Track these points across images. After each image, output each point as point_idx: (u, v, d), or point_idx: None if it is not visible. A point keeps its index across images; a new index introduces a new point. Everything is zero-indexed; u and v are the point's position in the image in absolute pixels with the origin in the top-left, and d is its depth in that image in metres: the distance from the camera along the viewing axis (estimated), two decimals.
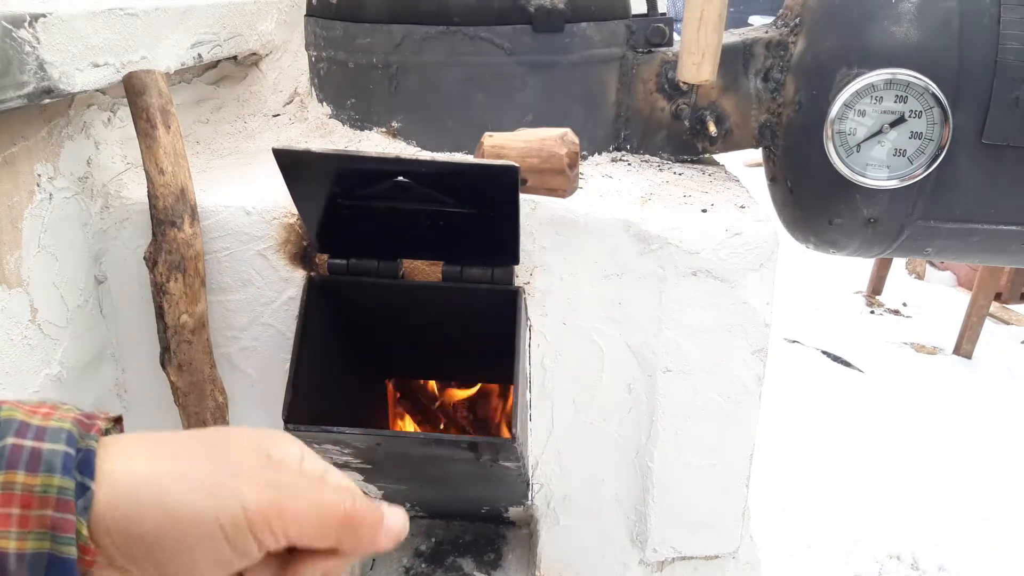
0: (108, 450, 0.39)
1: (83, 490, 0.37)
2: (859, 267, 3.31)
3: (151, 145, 0.89)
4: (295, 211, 0.96)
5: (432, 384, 1.31)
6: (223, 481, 0.39)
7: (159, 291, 0.91)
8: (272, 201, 0.98)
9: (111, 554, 0.38)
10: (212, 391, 0.97)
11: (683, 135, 1.19)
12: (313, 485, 0.42)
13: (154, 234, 0.91)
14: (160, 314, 0.92)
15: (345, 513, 0.41)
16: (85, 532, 0.37)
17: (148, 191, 0.90)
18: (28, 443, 0.37)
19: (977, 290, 2.68)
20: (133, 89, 0.88)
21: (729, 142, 1.19)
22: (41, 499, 0.36)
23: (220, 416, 0.98)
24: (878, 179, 1.07)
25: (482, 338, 1.00)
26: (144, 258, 0.92)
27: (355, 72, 1.13)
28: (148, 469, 0.39)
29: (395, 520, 0.44)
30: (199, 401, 0.96)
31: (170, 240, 0.90)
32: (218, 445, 0.41)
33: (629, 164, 1.18)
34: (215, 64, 1.25)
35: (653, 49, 1.15)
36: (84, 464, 0.38)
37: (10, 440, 0.37)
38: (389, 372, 1.25)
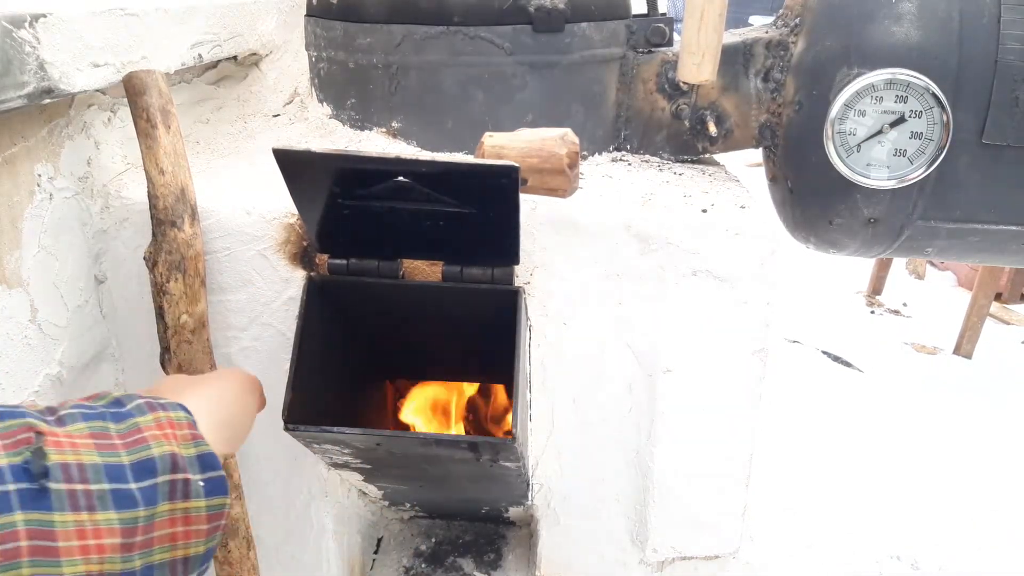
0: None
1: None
2: (859, 267, 3.31)
3: (151, 145, 0.89)
4: (295, 211, 0.96)
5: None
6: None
7: (159, 291, 0.91)
8: (272, 201, 0.98)
9: None
10: None
11: (683, 135, 1.19)
12: None
13: (154, 234, 0.91)
14: (160, 314, 0.92)
15: None
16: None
17: (148, 191, 0.90)
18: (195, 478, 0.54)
19: (977, 290, 2.68)
20: (133, 89, 0.88)
21: (729, 142, 1.19)
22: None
23: None
24: (878, 179, 1.07)
25: (482, 338, 1.00)
26: (144, 258, 0.92)
27: (355, 72, 1.13)
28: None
29: None
30: None
31: (170, 240, 0.90)
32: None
33: (629, 164, 1.18)
34: (215, 64, 1.25)
35: (653, 49, 1.15)
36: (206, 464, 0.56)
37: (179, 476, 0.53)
38: (389, 372, 1.25)
